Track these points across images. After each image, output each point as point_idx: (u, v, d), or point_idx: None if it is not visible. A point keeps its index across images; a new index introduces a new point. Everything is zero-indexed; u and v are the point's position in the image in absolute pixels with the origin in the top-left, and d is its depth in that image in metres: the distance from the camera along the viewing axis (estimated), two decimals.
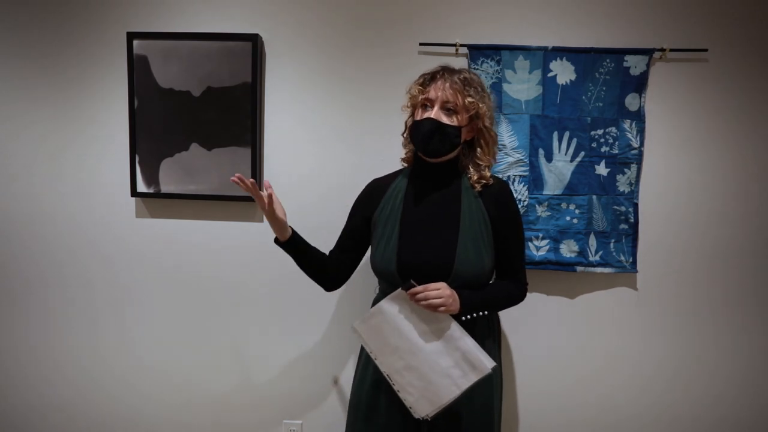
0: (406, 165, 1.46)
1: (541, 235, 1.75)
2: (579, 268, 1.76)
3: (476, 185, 1.34)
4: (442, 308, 1.23)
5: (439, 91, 1.27)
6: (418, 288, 1.23)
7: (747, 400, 1.81)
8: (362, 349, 1.42)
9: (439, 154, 1.31)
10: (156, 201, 1.86)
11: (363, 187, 1.48)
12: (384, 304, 1.30)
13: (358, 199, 1.47)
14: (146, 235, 1.88)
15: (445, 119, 1.27)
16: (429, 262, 1.29)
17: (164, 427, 1.94)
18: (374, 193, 1.44)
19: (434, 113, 1.27)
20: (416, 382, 1.25)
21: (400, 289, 1.27)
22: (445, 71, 1.31)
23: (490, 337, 1.39)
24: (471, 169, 1.36)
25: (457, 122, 1.28)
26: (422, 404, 1.24)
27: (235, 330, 1.88)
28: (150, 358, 1.91)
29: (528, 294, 1.78)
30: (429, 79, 1.31)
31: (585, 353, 1.83)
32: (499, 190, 1.36)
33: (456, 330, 1.26)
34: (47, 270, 1.91)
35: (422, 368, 1.25)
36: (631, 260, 1.76)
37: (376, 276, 1.41)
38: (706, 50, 1.69)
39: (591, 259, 1.76)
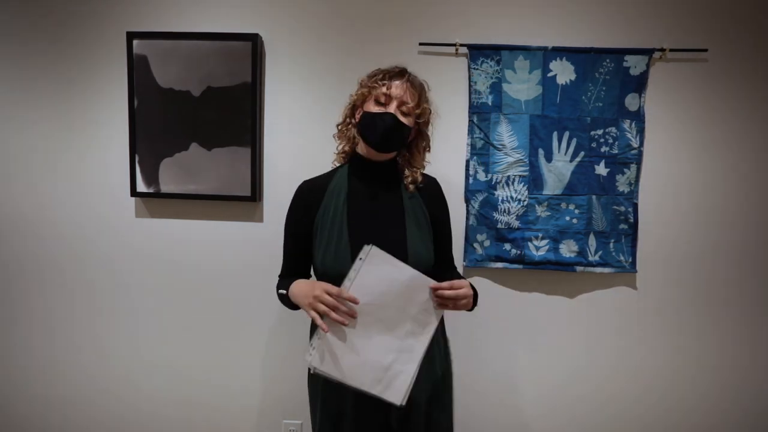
0: (339, 164, 1.42)
1: (540, 235, 1.76)
2: (579, 268, 1.76)
3: (410, 186, 1.36)
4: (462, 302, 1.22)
5: (399, 90, 1.29)
6: (446, 286, 1.19)
7: (747, 399, 1.81)
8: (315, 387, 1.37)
9: (390, 150, 1.33)
10: (156, 201, 1.86)
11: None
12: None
13: (293, 207, 1.39)
14: (146, 235, 1.88)
15: (401, 118, 1.29)
16: None
17: (164, 426, 1.94)
18: (311, 195, 1.37)
19: (393, 110, 1.28)
20: (383, 369, 1.19)
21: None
22: (406, 73, 1.32)
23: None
24: (406, 170, 1.38)
25: (408, 123, 1.31)
26: (393, 391, 1.19)
27: (235, 329, 1.89)
28: (149, 357, 1.91)
29: (528, 294, 1.82)
30: (389, 76, 1.30)
31: (584, 353, 1.83)
32: (433, 186, 1.42)
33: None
34: (47, 270, 1.91)
35: (383, 352, 1.19)
36: (630, 260, 1.76)
37: (322, 279, 1.30)
38: (706, 50, 1.70)
39: (590, 259, 1.76)
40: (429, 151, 1.42)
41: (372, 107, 1.30)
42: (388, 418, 1.28)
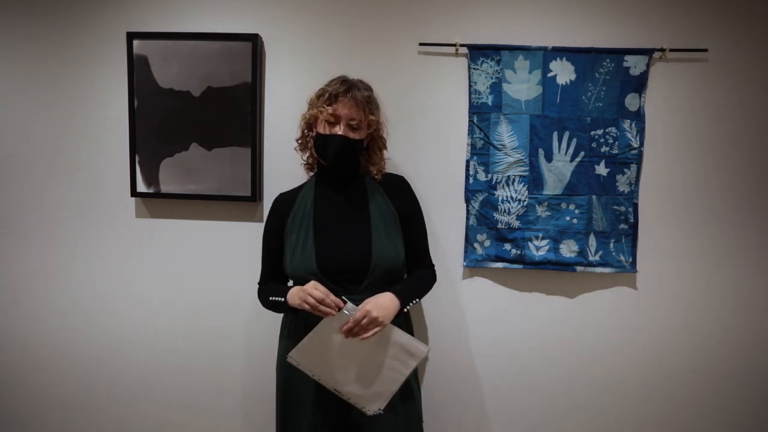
0: (311, 173, 1.57)
1: (540, 235, 1.75)
2: (579, 268, 1.76)
3: (377, 176, 1.50)
4: (377, 329, 1.30)
5: (345, 108, 1.37)
6: (350, 326, 1.29)
7: (746, 400, 1.81)
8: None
9: (346, 164, 1.44)
10: (156, 201, 1.86)
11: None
12: (320, 328, 1.33)
13: (269, 218, 1.54)
14: (146, 235, 1.88)
15: (351, 134, 1.39)
16: (348, 259, 1.38)
17: (164, 428, 1.94)
18: (282, 205, 1.51)
19: (342, 130, 1.38)
20: (365, 384, 1.35)
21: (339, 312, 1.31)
22: (350, 89, 1.39)
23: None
24: (369, 168, 1.51)
25: (359, 136, 1.41)
26: (374, 401, 1.35)
27: (236, 330, 1.88)
28: (148, 358, 1.91)
29: (528, 294, 1.82)
30: (334, 96, 1.38)
31: (585, 353, 1.83)
32: (401, 184, 1.53)
33: (387, 327, 1.35)
34: (46, 269, 1.91)
35: (367, 371, 1.35)
36: (630, 260, 1.76)
37: (294, 282, 1.44)
38: (706, 50, 1.69)
39: (591, 259, 1.76)
40: (386, 149, 1.53)
41: (323, 128, 1.39)
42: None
